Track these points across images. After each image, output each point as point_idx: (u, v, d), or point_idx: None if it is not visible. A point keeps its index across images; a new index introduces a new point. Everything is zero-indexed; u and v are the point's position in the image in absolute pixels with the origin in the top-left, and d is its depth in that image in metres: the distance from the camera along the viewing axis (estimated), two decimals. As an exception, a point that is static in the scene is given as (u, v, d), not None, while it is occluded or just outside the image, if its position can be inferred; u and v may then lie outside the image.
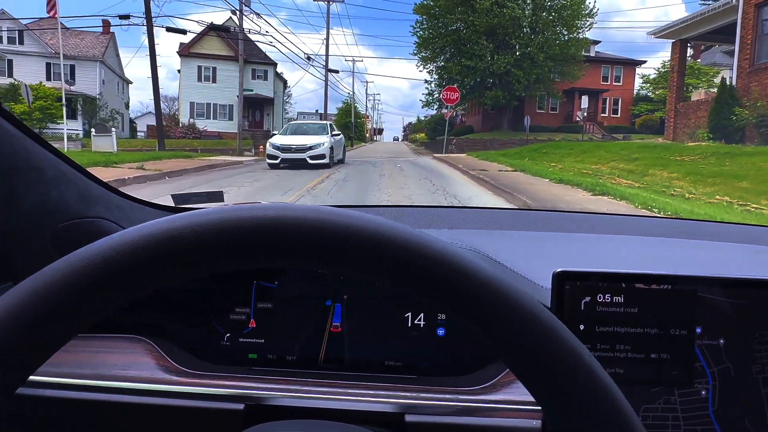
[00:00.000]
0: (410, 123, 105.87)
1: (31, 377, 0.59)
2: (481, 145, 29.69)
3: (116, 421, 0.66)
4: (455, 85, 34.50)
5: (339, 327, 0.73)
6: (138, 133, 37.83)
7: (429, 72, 33.88)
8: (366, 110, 77.95)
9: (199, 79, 32.71)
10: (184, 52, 32.30)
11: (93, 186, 0.79)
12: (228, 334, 0.73)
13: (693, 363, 0.52)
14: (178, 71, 33.60)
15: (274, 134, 17.74)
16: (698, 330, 0.52)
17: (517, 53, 30.22)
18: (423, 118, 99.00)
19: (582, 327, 0.52)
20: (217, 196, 1.06)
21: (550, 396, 0.30)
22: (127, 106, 35.22)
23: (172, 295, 0.74)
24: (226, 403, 0.65)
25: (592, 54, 33.74)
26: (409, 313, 0.73)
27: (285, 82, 36.78)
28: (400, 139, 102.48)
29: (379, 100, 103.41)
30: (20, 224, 0.67)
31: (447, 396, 0.66)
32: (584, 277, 0.52)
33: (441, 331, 0.72)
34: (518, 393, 0.64)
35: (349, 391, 0.67)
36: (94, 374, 0.67)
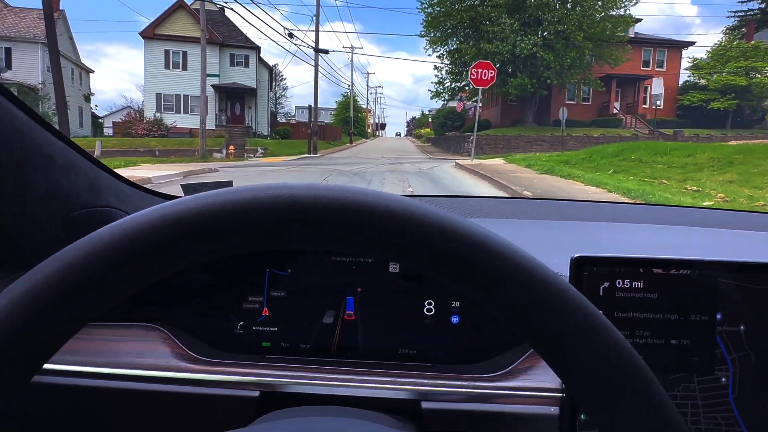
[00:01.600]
0: (414, 117, 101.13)
1: (47, 365, 0.71)
2: (503, 144, 24.49)
3: (131, 408, 0.66)
4: (468, 71, 29.68)
5: (353, 315, 0.72)
6: (106, 130, 32.87)
7: (439, 57, 28.78)
8: (367, 104, 72.73)
9: (167, 66, 27.65)
10: (148, 33, 27.26)
11: (103, 175, 0.79)
12: (241, 323, 0.73)
13: (714, 349, 0.51)
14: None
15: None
16: (718, 316, 0.51)
17: (547, 32, 25.05)
18: (427, 113, 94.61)
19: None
20: (227, 186, 0.85)
21: (585, 383, 0.29)
22: (87, 98, 30.24)
23: (186, 284, 0.74)
24: (241, 390, 0.65)
25: (631, 35, 28.53)
26: (423, 301, 0.72)
27: (271, 69, 31.74)
28: (402, 135, 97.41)
29: (381, 93, 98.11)
30: (32, 213, 0.67)
31: (463, 383, 0.66)
32: (603, 262, 0.51)
33: (455, 319, 0.72)
34: (535, 380, 0.64)
35: (364, 378, 0.67)
36: (109, 362, 0.67)
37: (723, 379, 0.51)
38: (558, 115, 29.51)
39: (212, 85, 27.45)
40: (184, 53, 27.64)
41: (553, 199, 1.50)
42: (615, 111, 28.72)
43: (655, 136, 24.61)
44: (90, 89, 31.49)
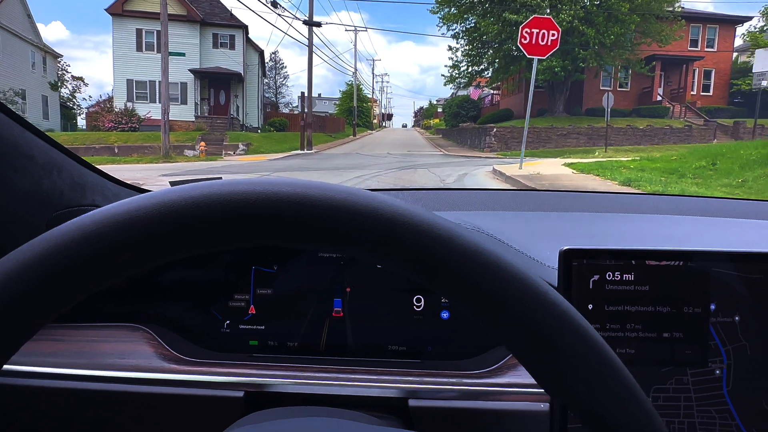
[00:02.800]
0: (422, 107, 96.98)
1: (27, 368, 0.63)
2: (532, 137, 20.51)
3: (114, 411, 0.65)
4: (490, 52, 25.67)
5: (341, 312, 0.72)
6: (82, 122, 29.32)
7: (455, 36, 24.86)
8: (373, 93, 68.78)
9: (139, 48, 23.95)
10: (116, 10, 23.54)
11: (87, 173, 0.78)
12: (228, 321, 0.72)
13: (707, 342, 0.50)
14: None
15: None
16: (712, 307, 0.50)
17: (588, 2, 21.06)
18: (435, 102, 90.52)
19: (591, 306, 0.50)
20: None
21: (557, 382, 0.28)
22: (54, 86, 26.66)
23: (170, 282, 0.73)
24: (225, 391, 0.65)
25: (677, 9, 24.42)
26: (412, 297, 0.72)
27: (262, 52, 27.96)
28: (408, 126, 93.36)
29: (387, 82, 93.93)
30: (12, 214, 0.66)
31: (451, 380, 0.65)
32: (592, 254, 0.50)
33: (445, 315, 0.72)
34: (524, 376, 0.63)
35: (352, 376, 0.67)
36: (91, 363, 0.66)
37: (717, 372, 0.50)
38: (592, 104, 25.65)
39: (192, 70, 23.73)
40: (159, 33, 23.92)
41: (545, 191, 1.64)
42: (659, 98, 24.73)
43: (712, 127, 20.70)
44: (58, 76, 27.87)
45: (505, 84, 26.49)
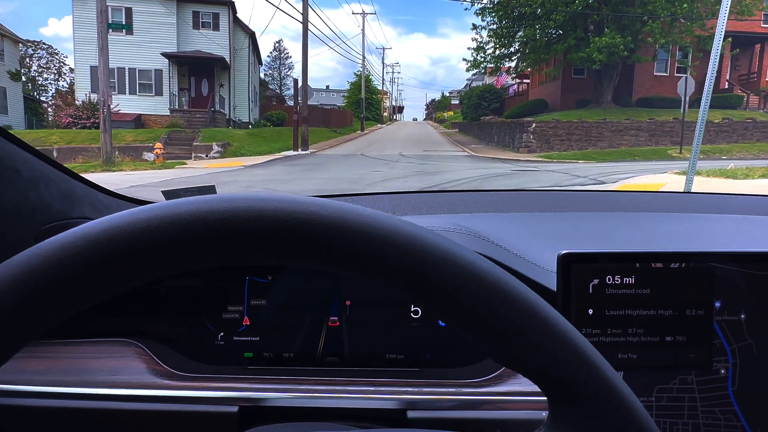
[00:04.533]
0: (434, 100, 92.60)
1: (15, 387, 0.63)
2: (580, 134, 16.66)
3: (107, 429, 0.64)
4: (523, 31, 21.54)
5: (337, 321, 0.71)
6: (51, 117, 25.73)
7: (478, 13, 20.83)
8: (383, 84, 64.71)
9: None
10: (75, -18, 19.83)
11: (76, 185, 0.76)
12: (221, 333, 0.71)
13: (711, 344, 0.50)
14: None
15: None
16: (717, 305, 0.49)
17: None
18: (448, 94, 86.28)
19: (591, 311, 0.49)
20: (209, 191, 0.97)
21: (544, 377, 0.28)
22: (14, 76, 23.09)
23: (161, 295, 0.72)
24: (219, 406, 0.64)
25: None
26: (409, 304, 0.71)
27: (252, 34, 24.07)
28: (419, 120, 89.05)
29: (398, 72, 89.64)
30: None
31: (450, 389, 0.65)
32: (591, 258, 0.49)
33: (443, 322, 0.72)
34: (524, 384, 0.62)
35: (349, 388, 0.66)
36: (82, 381, 0.66)
37: (722, 371, 0.49)
38: (643, 92, 21.47)
39: (166, 54, 19.96)
40: (128, 10, 20.17)
41: (542, 190, 1.97)
42: (728, 85, 20.48)
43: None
44: (19, 65, 24.32)
45: (544, 69, 22.29)
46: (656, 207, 1.13)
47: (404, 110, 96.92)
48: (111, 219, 0.25)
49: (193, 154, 14.62)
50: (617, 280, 0.49)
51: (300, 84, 17.14)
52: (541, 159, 13.95)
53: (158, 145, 12.86)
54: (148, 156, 13.60)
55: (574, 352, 0.27)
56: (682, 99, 13.84)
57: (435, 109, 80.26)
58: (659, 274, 0.49)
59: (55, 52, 37.70)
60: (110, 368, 0.67)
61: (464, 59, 21.94)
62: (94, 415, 0.63)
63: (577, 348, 0.28)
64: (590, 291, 0.49)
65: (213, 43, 20.89)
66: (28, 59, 35.84)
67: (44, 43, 45.03)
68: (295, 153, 15.54)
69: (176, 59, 20.37)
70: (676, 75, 20.88)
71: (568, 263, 0.49)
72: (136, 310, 0.71)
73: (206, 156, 14.57)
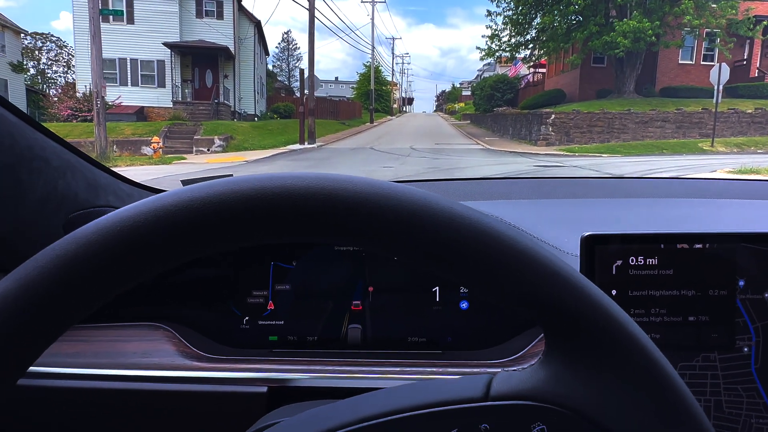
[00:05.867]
0: (444, 91, 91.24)
1: (49, 369, 0.65)
2: (603, 126, 15.73)
3: (138, 409, 0.65)
4: (540, 18, 20.48)
5: (360, 305, 0.72)
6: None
7: (493, -1, 19.83)
8: (392, 75, 63.66)
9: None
10: (74, -31, 19.13)
11: (100, 174, 0.77)
12: (247, 318, 0.72)
13: (734, 323, 0.50)
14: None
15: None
16: (741, 283, 0.50)
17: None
18: (459, 85, 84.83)
19: (614, 292, 0.50)
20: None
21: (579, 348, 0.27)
22: (17, 68, 22.58)
23: (188, 280, 0.73)
24: (248, 387, 0.65)
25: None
26: (431, 288, 0.72)
27: (258, 23, 23.25)
28: (429, 112, 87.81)
29: (408, 63, 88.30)
30: (29, 217, 0.66)
31: (474, 370, 0.65)
32: (614, 239, 0.50)
33: (464, 305, 0.72)
34: None
35: (374, 369, 0.67)
36: (114, 363, 0.67)
37: (745, 349, 0.50)
38: (667, 81, 20.35)
39: (168, 44, 19.28)
40: (128, -1, 19.47)
41: (560, 177, 1.53)
42: (759, 73, 19.31)
43: None
44: (22, 56, 23.81)
45: (561, 58, 21.27)
46: (674, 193, 1.15)
47: (414, 102, 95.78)
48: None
49: (195, 148, 13.95)
50: (640, 261, 0.49)
51: (306, 74, 16.37)
52: (562, 152, 13.08)
53: (155, 139, 12.21)
54: (147, 150, 12.95)
55: (570, 283, 0.27)
56: (715, 88, 12.88)
57: (445, 100, 79.05)
58: (683, 254, 0.49)
59: (64, 45, 37.27)
60: (141, 351, 0.69)
61: (478, 48, 20.96)
62: (127, 395, 0.64)
63: (574, 280, 0.27)
64: (613, 272, 0.49)
65: (217, 32, 20.17)
66: (37, 52, 35.52)
67: (52, 35, 44.69)
68: (301, 147, 14.82)
69: (179, 49, 19.68)
70: (702, 63, 19.81)
71: (591, 245, 0.49)
72: (165, 295, 0.73)
73: (208, 150, 13.90)
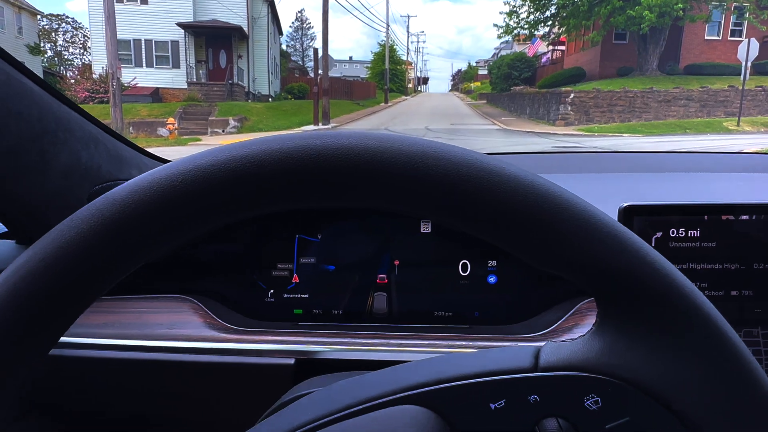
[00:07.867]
0: (460, 70, 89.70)
1: (78, 339, 0.65)
2: (624, 105, 15.29)
3: (167, 379, 0.66)
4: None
5: (385, 278, 0.71)
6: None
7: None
8: (407, 54, 62.72)
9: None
10: (88, -51, 19.01)
11: (123, 147, 0.78)
12: (272, 291, 0.73)
13: None
14: None
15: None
16: None
17: None
18: (475, 64, 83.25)
19: None
20: None
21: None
22: (33, 50, 22.72)
23: (214, 253, 0.73)
24: (276, 359, 0.65)
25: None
26: (458, 262, 0.70)
27: (271, 2, 22.96)
28: (444, 91, 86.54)
29: (423, 41, 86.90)
30: (55, 187, 0.66)
31: (503, 345, 0.64)
32: (654, 210, 0.48)
33: (492, 279, 0.70)
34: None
35: (401, 342, 0.66)
36: (142, 334, 0.67)
37: None
38: (692, 59, 19.67)
39: (181, 24, 19.17)
40: (142, -23, 19.33)
41: (597, 152, 1.46)
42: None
43: None
44: (39, 39, 23.92)
45: (582, 35, 20.67)
46: (707, 168, 1.10)
47: (429, 81, 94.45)
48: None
49: (210, 129, 13.95)
50: (681, 233, 0.47)
51: (320, 54, 16.17)
52: (581, 132, 12.78)
53: (171, 120, 12.22)
54: (163, 132, 12.98)
55: (624, 243, 0.25)
56: (743, 64, 12.41)
57: (461, 79, 77.81)
58: (726, 226, 0.47)
59: (79, 26, 37.33)
60: (169, 322, 0.69)
61: (495, 25, 20.47)
62: (155, 366, 0.64)
63: (634, 243, 0.25)
64: (653, 244, 0.46)
65: (230, 11, 19.95)
66: (53, 33, 35.66)
67: (67, 17, 44.73)
68: (315, 128, 14.71)
69: (192, 29, 19.54)
70: (729, 39, 19.08)
71: (630, 216, 0.47)
72: (192, 268, 0.73)
73: (222, 131, 13.89)
